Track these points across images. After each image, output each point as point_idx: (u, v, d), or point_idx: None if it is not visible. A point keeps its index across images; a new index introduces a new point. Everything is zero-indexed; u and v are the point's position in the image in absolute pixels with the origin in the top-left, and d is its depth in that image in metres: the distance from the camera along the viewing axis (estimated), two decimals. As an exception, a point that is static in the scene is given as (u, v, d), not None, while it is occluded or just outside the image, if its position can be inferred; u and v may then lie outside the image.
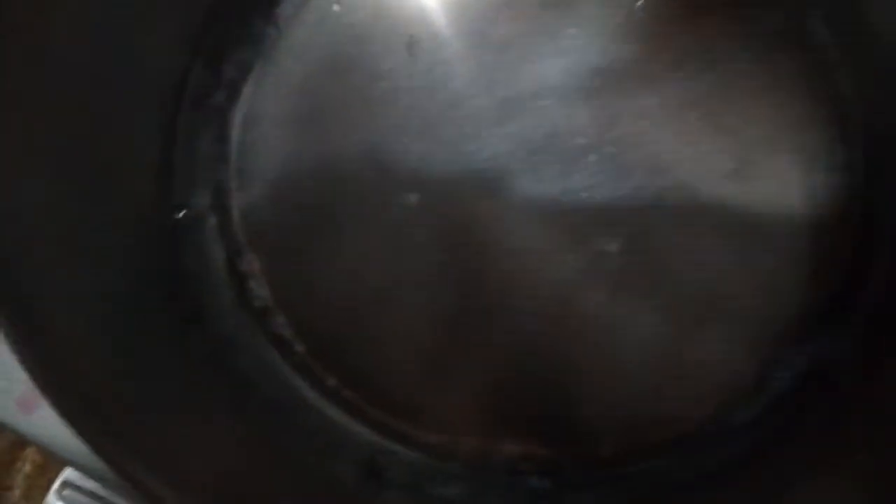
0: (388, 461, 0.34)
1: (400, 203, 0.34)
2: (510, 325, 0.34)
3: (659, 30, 0.34)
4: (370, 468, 0.34)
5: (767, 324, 0.33)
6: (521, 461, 0.33)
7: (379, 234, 0.34)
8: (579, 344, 0.33)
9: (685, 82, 0.33)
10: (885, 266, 0.33)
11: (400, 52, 0.34)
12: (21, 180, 0.26)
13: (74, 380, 0.24)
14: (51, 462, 0.42)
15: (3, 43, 0.25)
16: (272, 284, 0.35)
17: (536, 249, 0.34)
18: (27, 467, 0.43)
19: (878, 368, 0.31)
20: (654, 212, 0.33)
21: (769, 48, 0.34)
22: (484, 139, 0.34)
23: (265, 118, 0.35)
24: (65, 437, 0.30)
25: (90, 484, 0.33)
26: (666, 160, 0.33)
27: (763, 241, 0.33)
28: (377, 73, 0.34)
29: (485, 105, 0.34)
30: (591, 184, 0.33)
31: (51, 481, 0.34)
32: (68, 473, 0.33)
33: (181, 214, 0.35)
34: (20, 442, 0.42)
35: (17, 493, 0.43)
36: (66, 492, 0.33)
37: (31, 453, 0.43)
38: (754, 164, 0.33)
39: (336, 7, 0.35)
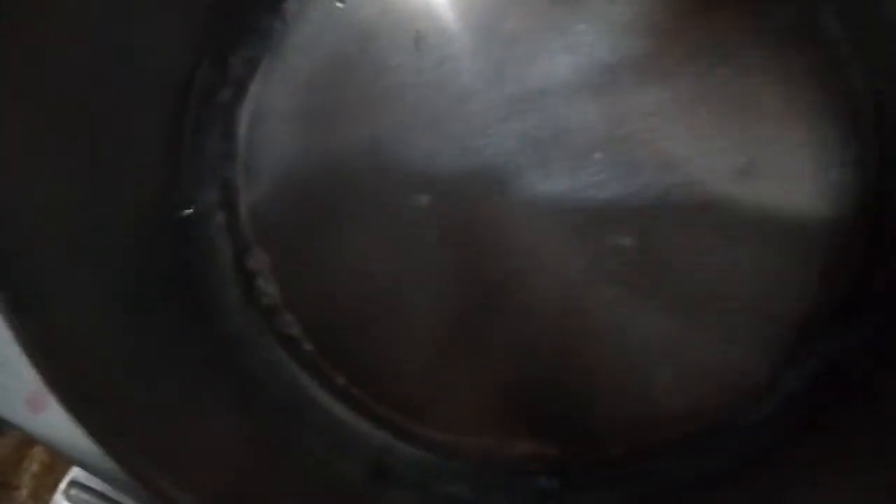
0: (395, 460, 0.34)
1: (408, 200, 0.34)
2: (518, 324, 0.34)
3: (669, 25, 0.33)
4: (377, 467, 0.33)
5: (777, 323, 0.33)
6: (529, 461, 0.33)
7: (387, 231, 0.34)
8: (587, 343, 0.33)
9: (695, 78, 0.33)
10: (896, 265, 0.32)
11: (407, 47, 0.34)
12: (27, 179, 0.26)
13: (83, 378, 0.24)
14: (58, 461, 0.42)
15: (4, 42, 0.25)
16: (280, 282, 0.35)
17: (544, 247, 0.33)
18: (34, 466, 0.43)
19: (887, 369, 0.31)
20: (663, 209, 0.33)
21: (781, 43, 0.33)
22: (492, 135, 0.34)
23: (272, 115, 0.35)
24: (72, 437, 0.31)
25: (97, 483, 0.33)
26: (675, 157, 0.33)
27: (774, 238, 0.33)
28: (384, 69, 0.34)
29: (493, 101, 0.34)
30: (600, 181, 0.33)
31: (58, 481, 0.34)
32: (75, 473, 0.33)
33: (188, 212, 0.35)
34: (27, 441, 0.42)
35: (24, 492, 0.43)
36: (74, 491, 0.33)
37: (38, 452, 0.43)
38: (765, 161, 0.33)
39: (341, 3, 0.35)
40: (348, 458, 0.33)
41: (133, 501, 0.32)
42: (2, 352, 0.29)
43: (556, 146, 0.33)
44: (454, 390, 0.34)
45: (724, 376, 0.33)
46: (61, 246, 0.26)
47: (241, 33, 0.35)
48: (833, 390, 0.32)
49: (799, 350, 0.33)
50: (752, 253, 0.33)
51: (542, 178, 0.33)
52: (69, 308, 0.25)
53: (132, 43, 0.31)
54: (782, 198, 0.33)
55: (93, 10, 0.28)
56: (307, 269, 0.35)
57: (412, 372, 0.34)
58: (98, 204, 0.29)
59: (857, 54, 0.33)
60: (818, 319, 0.33)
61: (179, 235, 0.34)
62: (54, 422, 0.31)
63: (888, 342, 0.31)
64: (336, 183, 0.34)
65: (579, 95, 0.33)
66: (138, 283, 0.30)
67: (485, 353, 0.34)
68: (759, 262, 0.33)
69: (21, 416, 0.32)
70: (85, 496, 0.33)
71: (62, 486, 0.33)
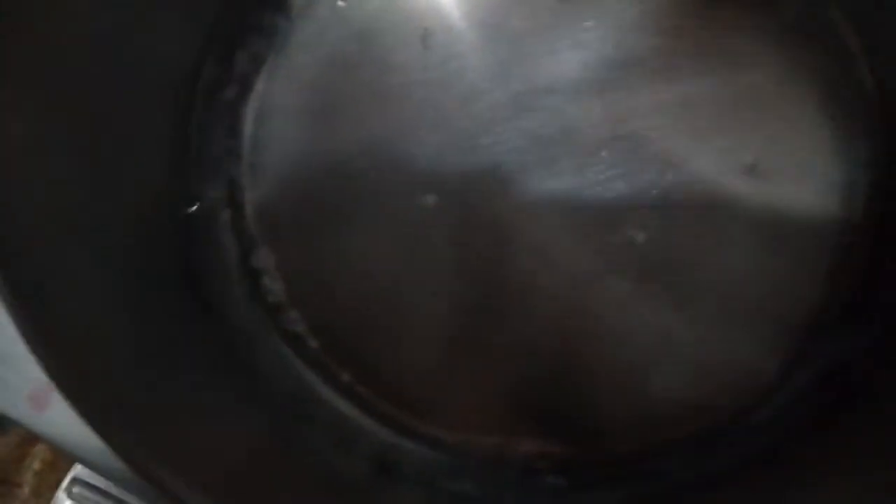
0: (400, 457, 0.34)
1: (414, 198, 0.34)
2: (523, 322, 0.33)
3: (676, 22, 0.33)
4: (382, 464, 0.33)
5: (784, 323, 0.33)
6: (535, 459, 0.33)
7: (393, 229, 0.34)
8: (593, 342, 0.33)
9: (703, 76, 0.33)
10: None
11: (414, 44, 0.34)
12: (27, 179, 0.26)
13: (89, 376, 0.24)
14: (60, 459, 0.42)
15: (4, 42, 0.25)
16: (285, 280, 0.35)
17: (550, 245, 0.33)
18: (36, 464, 0.43)
19: (888, 369, 0.31)
20: (670, 208, 0.33)
21: (788, 41, 0.33)
22: (498, 133, 0.34)
23: (278, 112, 0.35)
24: (76, 434, 0.31)
25: (100, 481, 0.33)
26: (682, 155, 0.33)
27: (780, 237, 0.33)
28: (390, 67, 0.34)
29: (499, 99, 0.34)
30: (607, 179, 0.33)
31: (60, 478, 0.34)
32: (78, 470, 0.33)
33: (193, 209, 0.35)
34: (30, 439, 0.42)
35: (26, 489, 0.43)
36: (76, 489, 0.33)
37: (40, 450, 0.43)
38: (772, 160, 0.33)
39: (343, 2, 0.35)
40: (353, 454, 0.33)
41: (136, 499, 0.32)
42: (5, 349, 0.29)
43: (563, 144, 0.33)
44: (460, 388, 0.34)
45: (730, 376, 0.33)
46: (61, 246, 0.26)
47: (246, 31, 0.35)
48: (839, 391, 0.32)
49: (805, 350, 0.33)
50: (759, 252, 0.33)
51: (549, 176, 0.33)
52: (69, 308, 0.25)
53: (136, 42, 0.31)
54: (789, 197, 0.33)
55: (95, 10, 0.28)
56: (313, 266, 0.35)
57: (418, 369, 0.34)
58: (99, 203, 0.29)
59: (866, 52, 0.33)
60: (825, 319, 0.33)
61: (185, 234, 0.34)
62: (57, 419, 0.31)
63: (888, 342, 0.31)
64: (342, 180, 0.34)
65: (586, 93, 0.33)
66: (145, 281, 0.30)
67: (490, 350, 0.33)
68: (766, 262, 0.33)
69: (24, 413, 0.32)
70: (87, 494, 0.33)
71: (64, 483, 0.33)
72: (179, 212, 0.34)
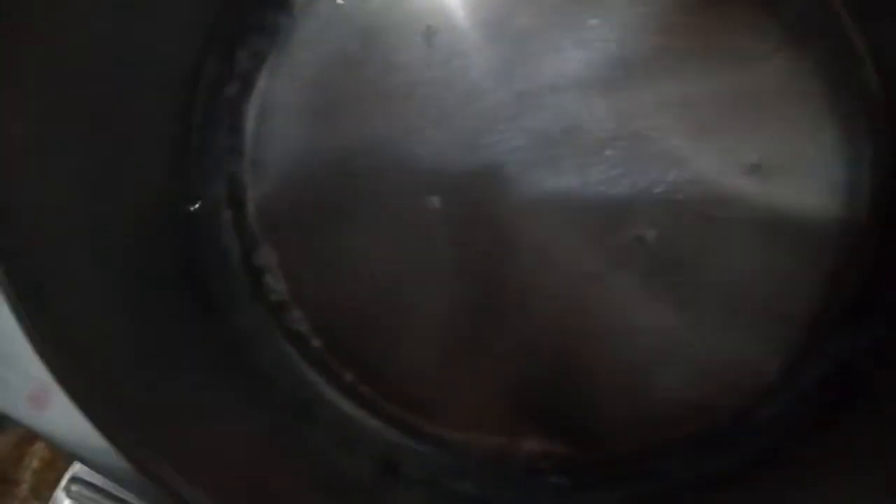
0: (403, 457, 0.33)
1: (416, 197, 0.34)
2: (526, 322, 0.33)
3: (681, 21, 0.33)
4: (386, 464, 0.33)
5: (787, 323, 0.33)
6: (540, 459, 0.33)
7: (395, 227, 0.34)
8: (595, 341, 0.33)
9: (707, 75, 0.33)
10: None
11: (417, 42, 0.34)
12: (27, 179, 0.25)
13: (92, 375, 0.23)
14: (59, 458, 0.42)
15: (4, 42, 0.24)
16: (288, 279, 0.35)
17: (553, 244, 0.33)
18: (35, 463, 0.43)
19: (888, 369, 0.31)
20: (673, 206, 0.33)
21: (793, 40, 0.33)
22: (502, 132, 0.34)
23: (280, 110, 0.35)
24: (76, 434, 0.31)
25: (98, 480, 0.33)
26: (686, 154, 0.33)
27: (784, 237, 0.33)
28: (392, 66, 0.34)
29: (503, 97, 0.34)
30: (610, 178, 0.33)
31: (59, 477, 0.33)
32: (77, 469, 0.33)
33: (196, 207, 0.34)
34: (28, 437, 0.42)
35: (24, 488, 0.43)
36: (75, 487, 0.33)
37: (39, 449, 0.43)
38: (776, 159, 0.33)
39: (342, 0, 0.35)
40: (357, 454, 0.33)
41: (135, 497, 0.32)
42: (5, 349, 0.29)
43: (566, 143, 0.33)
44: (462, 388, 0.34)
45: (734, 376, 0.33)
46: (61, 246, 0.26)
47: (247, 29, 0.35)
48: (842, 391, 0.32)
49: (807, 350, 0.33)
50: (762, 252, 0.33)
51: (552, 175, 0.33)
52: (69, 308, 0.25)
53: (136, 42, 0.30)
54: (793, 196, 0.33)
55: (95, 10, 0.28)
56: (315, 265, 0.34)
57: (421, 369, 0.34)
58: (99, 203, 0.29)
59: (871, 51, 0.33)
60: (828, 319, 0.33)
61: (186, 233, 0.34)
62: (58, 418, 0.31)
63: (889, 342, 0.31)
64: (344, 179, 0.34)
65: (590, 92, 0.33)
66: (148, 280, 0.30)
67: (493, 350, 0.33)
68: (769, 261, 0.33)
69: (24, 412, 0.32)
70: (86, 492, 0.33)
71: (63, 482, 0.33)
72: (180, 211, 0.34)
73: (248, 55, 0.35)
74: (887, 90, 0.33)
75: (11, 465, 0.43)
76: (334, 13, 0.35)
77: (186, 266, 0.33)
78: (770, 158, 0.33)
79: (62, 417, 0.31)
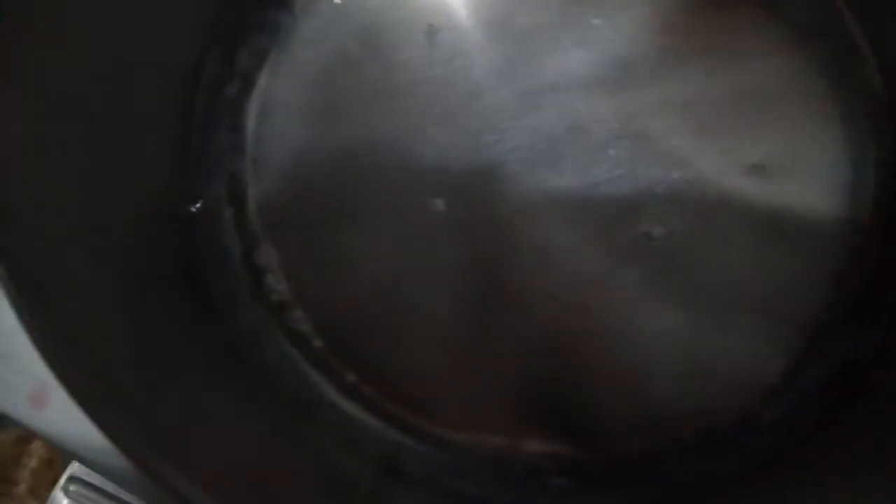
0: (405, 457, 0.33)
1: (418, 196, 0.34)
2: (528, 322, 0.33)
3: (683, 20, 0.33)
4: (388, 464, 0.33)
5: (789, 323, 0.33)
6: (542, 459, 0.33)
7: (397, 227, 0.34)
8: (601, 341, 0.33)
9: (709, 74, 0.33)
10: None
11: (419, 41, 0.34)
12: (27, 179, 0.25)
13: (94, 376, 0.23)
14: (57, 457, 0.42)
15: (4, 42, 0.24)
16: (289, 278, 0.34)
17: (557, 244, 0.33)
18: (33, 462, 0.43)
19: (888, 369, 0.31)
20: (676, 206, 0.33)
21: (796, 40, 0.33)
22: (504, 131, 0.33)
23: (280, 108, 0.35)
24: (75, 433, 0.31)
25: (96, 479, 0.32)
26: (688, 154, 0.33)
27: (786, 237, 0.33)
28: (395, 64, 0.34)
29: (505, 97, 0.33)
30: (613, 177, 0.33)
31: (57, 476, 0.33)
32: (75, 468, 0.33)
33: (197, 206, 0.34)
34: (26, 437, 0.42)
35: (23, 487, 0.43)
36: (73, 487, 0.33)
37: (37, 448, 0.43)
38: (779, 159, 0.33)
39: (341, -1, 0.35)
40: (358, 454, 0.33)
41: (133, 497, 0.32)
42: (5, 348, 0.29)
43: (569, 142, 0.33)
44: (464, 388, 0.34)
45: (736, 377, 0.33)
46: (61, 246, 0.26)
47: (248, 28, 0.35)
48: (845, 392, 0.32)
49: (810, 351, 0.33)
50: (765, 252, 0.33)
51: (554, 175, 0.33)
52: (69, 308, 0.25)
53: (136, 42, 0.30)
54: (796, 197, 0.33)
55: (95, 10, 0.28)
56: (317, 265, 0.34)
57: (423, 369, 0.34)
58: (99, 203, 0.29)
59: (874, 52, 0.33)
60: (831, 320, 0.33)
61: (187, 232, 0.34)
62: (57, 418, 0.31)
63: (890, 343, 0.31)
64: (346, 178, 0.34)
65: (592, 91, 0.33)
66: (149, 279, 0.30)
67: (495, 351, 0.33)
68: (772, 262, 0.33)
69: (23, 412, 0.32)
70: (84, 492, 0.33)
71: (61, 481, 0.33)
72: (181, 210, 0.34)
73: (249, 54, 0.35)
74: (890, 90, 0.33)
75: (10, 465, 0.43)
76: (335, 11, 0.35)
77: (187, 266, 0.33)
78: (772, 158, 0.33)
79: (61, 417, 0.31)
